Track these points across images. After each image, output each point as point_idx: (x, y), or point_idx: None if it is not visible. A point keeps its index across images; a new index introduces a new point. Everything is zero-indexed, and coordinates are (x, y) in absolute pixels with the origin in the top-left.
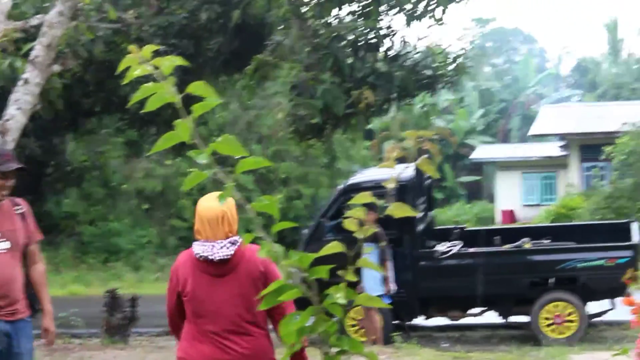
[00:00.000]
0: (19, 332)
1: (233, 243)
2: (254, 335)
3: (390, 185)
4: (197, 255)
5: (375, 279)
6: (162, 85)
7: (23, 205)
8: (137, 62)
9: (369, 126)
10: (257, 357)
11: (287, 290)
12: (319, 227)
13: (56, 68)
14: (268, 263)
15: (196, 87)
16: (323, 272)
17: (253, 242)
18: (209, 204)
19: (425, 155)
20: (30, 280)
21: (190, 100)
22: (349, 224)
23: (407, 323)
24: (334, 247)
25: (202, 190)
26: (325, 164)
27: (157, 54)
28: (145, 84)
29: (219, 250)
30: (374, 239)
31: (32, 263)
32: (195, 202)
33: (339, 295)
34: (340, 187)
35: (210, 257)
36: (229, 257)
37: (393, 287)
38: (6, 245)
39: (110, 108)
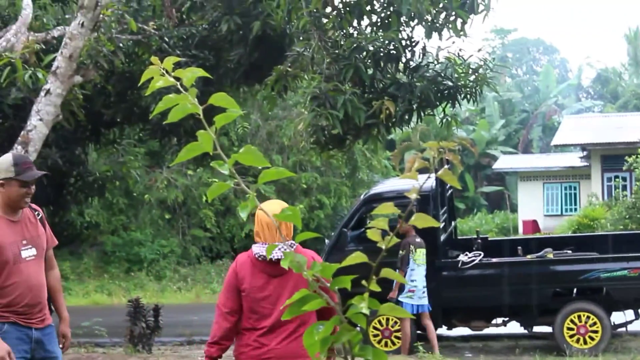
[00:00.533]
0: (50, 337)
1: (290, 246)
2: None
3: (413, 196)
4: (256, 255)
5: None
6: (185, 97)
7: (40, 211)
8: (159, 73)
9: (390, 137)
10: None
11: (311, 300)
12: (341, 237)
13: (77, 79)
14: None
15: (218, 98)
16: (346, 282)
17: (258, 258)
18: (269, 210)
19: (447, 166)
20: (47, 285)
21: (211, 112)
22: (372, 234)
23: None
24: (357, 257)
25: (225, 200)
26: (347, 174)
27: (178, 65)
28: (168, 95)
29: (277, 251)
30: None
31: (49, 269)
32: (217, 213)
33: (362, 305)
34: (362, 197)
35: (268, 257)
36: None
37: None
38: (33, 252)
39: (132, 118)
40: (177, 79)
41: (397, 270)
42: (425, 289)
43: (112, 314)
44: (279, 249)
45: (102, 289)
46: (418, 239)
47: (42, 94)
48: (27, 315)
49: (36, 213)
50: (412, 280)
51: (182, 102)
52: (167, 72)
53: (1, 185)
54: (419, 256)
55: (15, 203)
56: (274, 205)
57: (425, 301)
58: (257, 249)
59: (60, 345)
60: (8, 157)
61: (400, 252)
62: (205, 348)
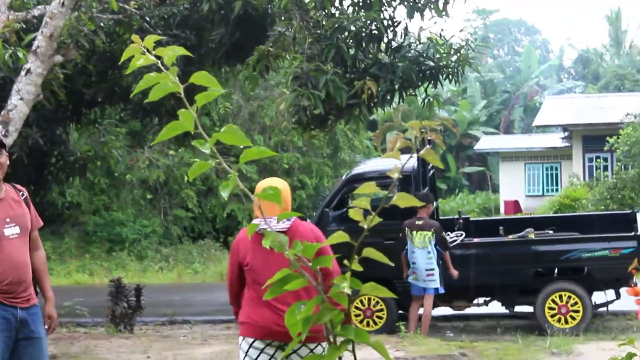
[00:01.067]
0: (35, 317)
1: (288, 219)
2: None
3: (395, 175)
4: (257, 230)
5: (437, 270)
6: (165, 75)
7: (24, 191)
8: (139, 52)
9: (372, 117)
10: None
11: (292, 280)
12: (323, 217)
13: (58, 59)
14: (320, 237)
15: (199, 77)
16: (328, 261)
17: (258, 231)
18: (268, 185)
19: (429, 146)
20: (32, 266)
21: (192, 91)
22: (354, 214)
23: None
24: (338, 237)
25: (206, 180)
26: (329, 154)
27: (159, 44)
28: (149, 74)
29: (276, 224)
30: (430, 230)
31: (35, 249)
32: (198, 193)
33: (344, 285)
34: (344, 177)
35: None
36: (284, 230)
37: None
38: (16, 230)
39: (113, 98)
40: (158, 57)
41: (442, 251)
42: (434, 271)
43: (94, 294)
44: (279, 222)
45: (84, 269)
46: (419, 222)
47: (23, 73)
48: (12, 294)
49: (20, 193)
50: (412, 263)
51: (163, 81)
52: (147, 50)
53: None
54: (418, 238)
55: None
56: (275, 183)
57: (432, 284)
58: (257, 222)
59: (46, 327)
60: None
61: (440, 234)
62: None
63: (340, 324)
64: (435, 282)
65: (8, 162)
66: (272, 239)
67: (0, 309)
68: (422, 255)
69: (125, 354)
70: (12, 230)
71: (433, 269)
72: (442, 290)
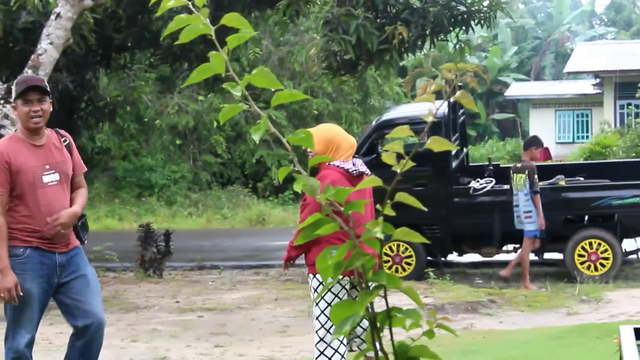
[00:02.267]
0: (76, 258)
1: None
2: None
3: (429, 119)
4: (352, 171)
5: (529, 214)
6: (196, 17)
7: (67, 137)
8: None
9: (402, 63)
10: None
11: (324, 224)
12: None
13: (88, 3)
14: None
15: (230, 19)
16: (359, 206)
17: (289, 175)
18: (341, 132)
19: (464, 90)
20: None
21: (223, 35)
22: (387, 158)
23: (441, 259)
24: (371, 180)
25: (236, 126)
26: (358, 100)
27: None
28: (179, 16)
29: (360, 165)
30: (524, 172)
31: (76, 189)
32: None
33: (376, 230)
34: (374, 123)
35: (356, 170)
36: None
37: (543, 221)
38: (56, 177)
39: (143, 43)
40: None
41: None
42: (531, 213)
43: (123, 238)
44: (361, 164)
45: (113, 214)
46: (519, 164)
47: (53, 17)
48: (50, 240)
49: (63, 139)
50: (515, 205)
51: (194, 23)
52: None
53: (14, 108)
54: (517, 181)
55: (25, 123)
56: (337, 128)
57: (529, 226)
58: (348, 164)
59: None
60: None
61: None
62: (287, 248)
63: (372, 269)
64: (532, 225)
65: (51, 109)
66: (304, 183)
67: (38, 254)
68: (521, 197)
69: (154, 299)
70: (51, 177)
71: (530, 211)
72: (537, 234)
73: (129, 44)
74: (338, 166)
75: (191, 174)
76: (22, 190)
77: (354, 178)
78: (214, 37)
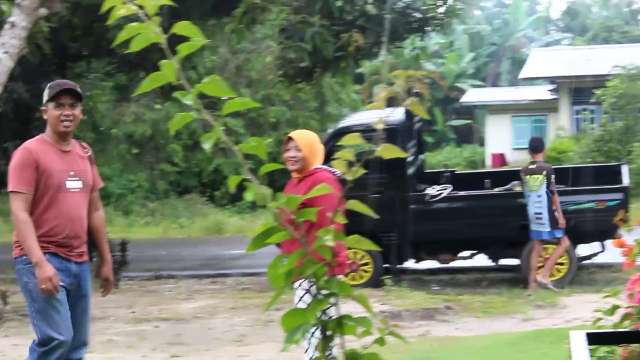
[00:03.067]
0: (86, 274)
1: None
2: None
3: (380, 126)
4: (339, 176)
5: (546, 215)
6: (147, 26)
7: (89, 150)
8: (120, 2)
9: (359, 70)
10: None
11: (275, 233)
12: None
13: (43, 12)
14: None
15: (182, 27)
16: (311, 214)
17: (241, 184)
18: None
19: (415, 97)
20: (90, 227)
21: (177, 43)
22: (338, 165)
23: (398, 266)
24: (322, 189)
25: (192, 134)
26: (315, 108)
27: None
28: (130, 24)
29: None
30: (541, 173)
31: (95, 209)
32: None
33: (327, 237)
34: (331, 130)
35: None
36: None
37: (563, 221)
38: (79, 184)
39: (99, 52)
40: (140, 7)
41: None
42: (541, 215)
43: None
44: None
45: None
46: (533, 165)
47: (7, 26)
48: (67, 247)
49: (86, 150)
50: (527, 206)
51: (145, 32)
52: (130, 0)
53: (44, 112)
54: (531, 182)
55: (55, 127)
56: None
57: (541, 227)
58: (335, 170)
59: (102, 289)
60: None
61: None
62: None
63: (323, 277)
64: (544, 226)
65: (81, 116)
66: (255, 192)
67: (56, 261)
68: (534, 199)
69: (110, 309)
70: (74, 184)
71: (541, 213)
72: (558, 234)
73: (85, 53)
74: (331, 171)
75: (148, 183)
76: (44, 192)
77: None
78: (165, 46)
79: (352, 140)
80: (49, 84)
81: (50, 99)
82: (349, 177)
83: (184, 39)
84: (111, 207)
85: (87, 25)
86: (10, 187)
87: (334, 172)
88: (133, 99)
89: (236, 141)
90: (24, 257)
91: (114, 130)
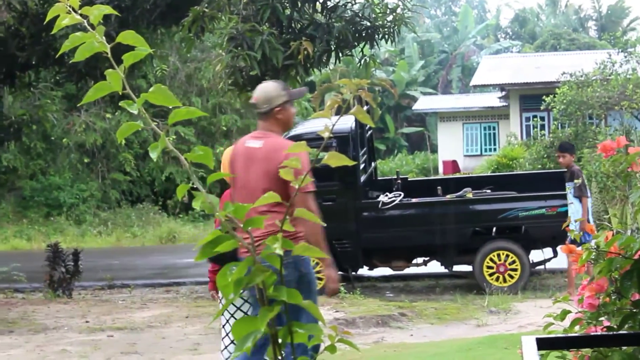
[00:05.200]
0: None
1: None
2: None
3: (325, 135)
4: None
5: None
6: (91, 35)
7: None
8: (65, 11)
9: (310, 78)
10: None
11: (224, 241)
12: None
13: None
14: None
15: (126, 37)
16: (259, 222)
17: (189, 192)
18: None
19: (366, 107)
20: None
21: (125, 52)
22: (285, 174)
23: (351, 274)
24: (270, 197)
25: (144, 143)
26: None
27: (91, 5)
28: (74, 34)
29: None
30: (570, 177)
31: None
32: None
33: (275, 246)
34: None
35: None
36: None
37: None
38: None
39: (47, 61)
40: (85, 17)
41: (579, 199)
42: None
43: (32, 259)
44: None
45: (22, 234)
46: (575, 167)
47: None
48: None
49: None
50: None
51: (89, 41)
52: (73, 10)
53: (279, 111)
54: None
55: (290, 125)
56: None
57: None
58: None
59: None
60: (273, 84)
61: (575, 181)
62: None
63: (272, 285)
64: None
65: None
66: (202, 201)
67: None
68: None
69: (63, 319)
70: None
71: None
72: (585, 239)
73: (34, 62)
74: None
75: (100, 192)
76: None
77: None
78: (109, 55)
79: (299, 148)
80: (281, 85)
81: (289, 101)
82: (296, 186)
83: (131, 48)
84: (63, 217)
85: (35, 34)
86: (308, 187)
87: None
88: (83, 108)
89: (188, 150)
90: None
91: (64, 140)
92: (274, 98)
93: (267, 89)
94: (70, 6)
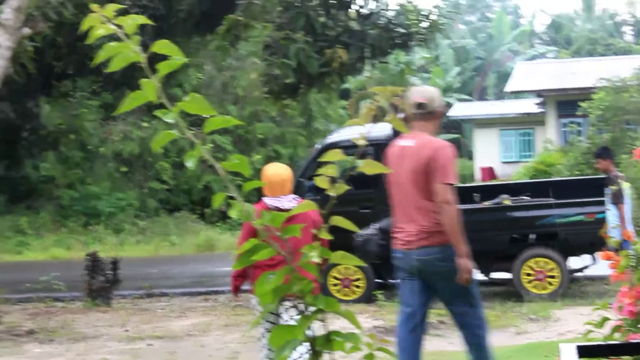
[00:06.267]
0: None
1: (295, 198)
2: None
3: (361, 142)
4: (270, 206)
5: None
6: (126, 45)
7: None
8: (100, 21)
9: (346, 85)
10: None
11: (261, 249)
12: (298, 186)
13: (26, 31)
14: (317, 214)
15: (161, 46)
16: (296, 231)
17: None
18: (276, 171)
19: (401, 114)
20: None
21: (160, 61)
22: (321, 182)
23: (391, 281)
24: (306, 205)
25: (181, 152)
26: (303, 123)
27: (126, 14)
28: (109, 44)
29: (287, 202)
30: (609, 183)
31: None
32: (173, 165)
33: (313, 254)
34: (318, 146)
35: (280, 207)
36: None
37: (631, 229)
38: None
39: (84, 71)
40: (120, 27)
41: (616, 206)
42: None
43: (71, 268)
44: (289, 201)
45: (61, 243)
46: (621, 174)
47: None
48: None
49: None
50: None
51: (124, 51)
52: (108, 20)
53: (439, 113)
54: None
55: (439, 130)
56: (279, 167)
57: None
58: (270, 201)
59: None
60: (434, 88)
61: (611, 187)
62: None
63: (309, 293)
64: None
65: None
66: (239, 209)
67: None
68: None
69: (103, 328)
70: None
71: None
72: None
73: (70, 72)
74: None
75: (138, 201)
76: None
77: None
78: (145, 65)
79: (335, 156)
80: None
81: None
82: (332, 193)
83: (167, 57)
84: (102, 226)
85: (71, 43)
86: (448, 179)
87: (266, 205)
88: (120, 117)
89: (224, 158)
90: (450, 245)
91: (102, 149)
92: (436, 100)
93: (432, 92)
94: (104, 16)
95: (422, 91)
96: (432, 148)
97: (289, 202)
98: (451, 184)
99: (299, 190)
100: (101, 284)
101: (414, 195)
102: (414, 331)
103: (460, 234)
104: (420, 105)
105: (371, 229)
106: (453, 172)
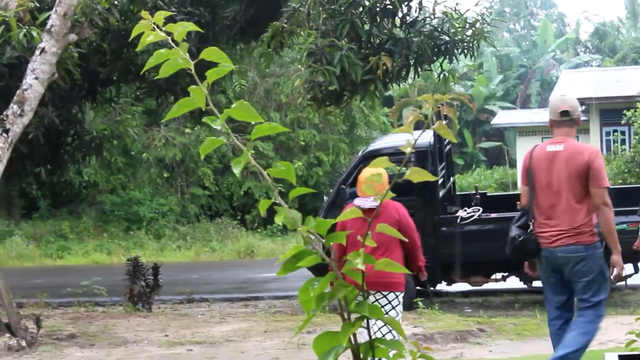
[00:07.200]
0: None
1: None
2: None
3: (407, 150)
4: (355, 206)
5: None
6: (176, 52)
7: None
8: (149, 28)
9: (388, 93)
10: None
11: (306, 256)
12: (340, 193)
13: (72, 37)
14: (403, 213)
15: (209, 53)
16: (341, 237)
17: (271, 207)
18: (367, 174)
19: (445, 121)
20: None
21: (206, 68)
22: (367, 189)
23: (430, 289)
24: (352, 212)
25: (223, 158)
26: (345, 130)
27: (171, 21)
28: (159, 51)
29: (369, 202)
30: None
31: None
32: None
33: (357, 261)
34: (360, 153)
35: (362, 207)
36: (373, 207)
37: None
38: None
39: (128, 77)
40: (168, 34)
41: None
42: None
43: (112, 273)
44: (372, 200)
45: (102, 248)
46: None
47: (37, 52)
48: None
49: None
50: None
51: (173, 57)
52: (157, 27)
53: (579, 120)
54: None
55: None
56: (372, 171)
57: None
58: (356, 201)
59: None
60: (576, 100)
61: None
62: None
63: (354, 300)
64: None
65: None
66: (285, 216)
67: None
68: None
69: (143, 333)
70: None
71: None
72: None
73: (115, 78)
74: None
75: (179, 206)
76: None
77: (363, 211)
78: (193, 71)
79: (381, 163)
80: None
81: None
82: (377, 201)
83: (212, 63)
84: (143, 231)
85: (116, 50)
86: (604, 183)
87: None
88: (163, 123)
89: (266, 165)
90: (598, 243)
91: (144, 155)
92: (579, 109)
93: (576, 101)
94: (154, 23)
95: (566, 99)
96: (587, 154)
97: (370, 202)
98: (607, 187)
99: (339, 197)
100: (142, 289)
101: (566, 197)
102: (565, 324)
103: (615, 234)
104: (565, 113)
105: (516, 229)
106: (606, 176)
